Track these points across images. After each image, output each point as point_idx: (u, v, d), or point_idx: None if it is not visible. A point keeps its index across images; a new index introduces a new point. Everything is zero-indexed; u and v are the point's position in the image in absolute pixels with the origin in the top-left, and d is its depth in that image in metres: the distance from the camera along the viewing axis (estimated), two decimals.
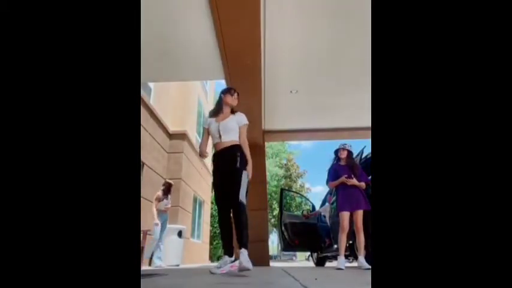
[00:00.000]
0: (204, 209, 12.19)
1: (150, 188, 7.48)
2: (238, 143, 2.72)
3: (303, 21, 3.93)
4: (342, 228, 3.56)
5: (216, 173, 2.77)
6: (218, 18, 3.41)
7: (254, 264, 2.36)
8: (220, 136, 2.71)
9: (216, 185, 2.77)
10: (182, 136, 9.23)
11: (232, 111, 2.85)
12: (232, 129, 2.74)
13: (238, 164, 2.60)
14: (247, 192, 2.58)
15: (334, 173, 3.83)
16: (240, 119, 2.80)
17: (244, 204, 2.50)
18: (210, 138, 2.86)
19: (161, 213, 5.84)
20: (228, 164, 2.63)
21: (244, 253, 2.34)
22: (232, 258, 2.65)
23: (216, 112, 2.85)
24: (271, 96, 5.49)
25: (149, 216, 7.23)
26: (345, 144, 3.97)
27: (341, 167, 3.82)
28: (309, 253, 7.64)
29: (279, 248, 19.02)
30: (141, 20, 2.84)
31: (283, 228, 5.67)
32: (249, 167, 2.69)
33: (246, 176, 2.58)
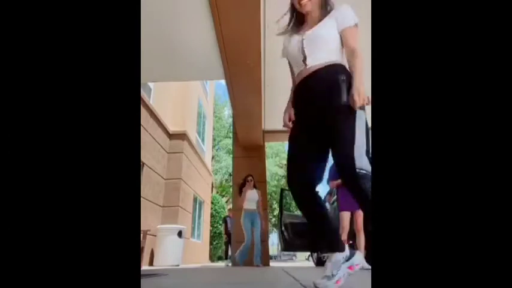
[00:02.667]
0: (204, 209, 12.19)
1: (150, 188, 7.48)
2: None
3: None
4: (342, 228, 3.56)
5: None
6: (218, 18, 3.41)
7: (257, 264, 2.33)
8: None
9: None
10: (182, 136, 9.22)
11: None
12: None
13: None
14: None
15: (334, 173, 3.83)
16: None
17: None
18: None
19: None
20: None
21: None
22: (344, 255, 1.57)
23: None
24: (272, 96, 5.48)
25: (149, 216, 7.24)
26: None
27: None
28: (309, 253, 7.64)
29: (279, 248, 19.01)
30: (141, 20, 2.84)
31: (283, 228, 5.67)
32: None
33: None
